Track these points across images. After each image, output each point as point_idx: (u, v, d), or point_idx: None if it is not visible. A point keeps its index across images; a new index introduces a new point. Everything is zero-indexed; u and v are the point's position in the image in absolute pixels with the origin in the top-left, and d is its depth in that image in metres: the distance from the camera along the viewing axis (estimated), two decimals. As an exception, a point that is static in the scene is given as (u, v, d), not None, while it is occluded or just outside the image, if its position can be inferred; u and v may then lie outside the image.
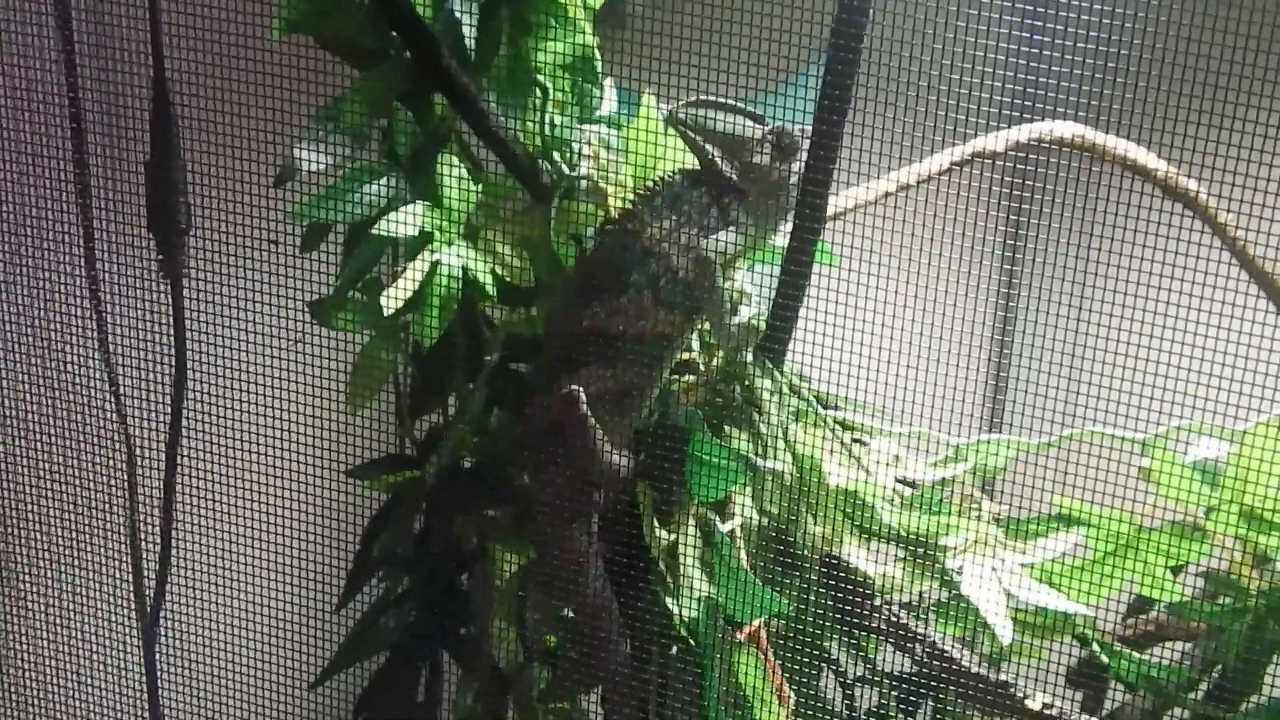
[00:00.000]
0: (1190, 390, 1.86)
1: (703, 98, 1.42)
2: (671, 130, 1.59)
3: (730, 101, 1.44)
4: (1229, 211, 1.70)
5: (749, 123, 1.43)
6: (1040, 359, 2.04)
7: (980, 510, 1.42)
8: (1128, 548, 1.40)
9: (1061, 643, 1.47)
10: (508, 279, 1.53)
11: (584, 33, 1.59)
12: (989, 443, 1.46)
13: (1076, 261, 2.01)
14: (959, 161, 1.75)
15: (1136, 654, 1.53)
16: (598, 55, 1.62)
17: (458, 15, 1.41)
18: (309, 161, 1.40)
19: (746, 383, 1.39)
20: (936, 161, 1.74)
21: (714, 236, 1.38)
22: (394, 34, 1.44)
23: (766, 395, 1.39)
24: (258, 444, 1.52)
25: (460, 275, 1.46)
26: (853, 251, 2.06)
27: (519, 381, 1.57)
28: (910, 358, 2.10)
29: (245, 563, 1.62)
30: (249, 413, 1.52)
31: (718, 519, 1.29)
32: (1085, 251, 2.00)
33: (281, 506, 1.56)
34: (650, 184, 1.42)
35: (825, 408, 1.49)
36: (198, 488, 1.63)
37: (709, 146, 1.41)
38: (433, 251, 1.44)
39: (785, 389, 1.41)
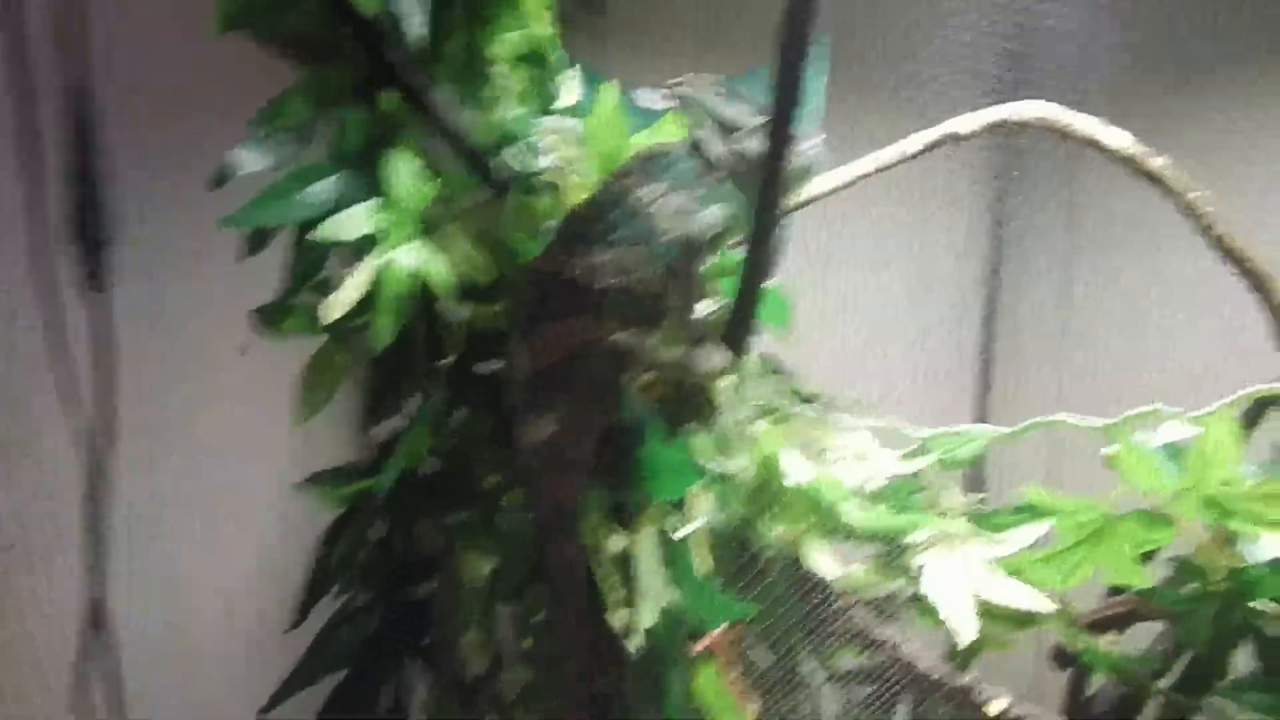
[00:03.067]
0: (1171, 372, 1.86)
1: (705, 75, 1.41)
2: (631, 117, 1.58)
3: (731, 87, 1.43)
4: (1195, 182, 1.70)
5: (748, 109, 1.42)
6: (1027, 344, 2.03)
7: (948, 503, 1.40)
8: (1096, 537, 1.39)
9: (1036, 632, 1.45)
10: (466, 276, 1.50)
11: (542, 22, 1.55)
12: (958, 434, 1.44)
13: (1059, 244, 2.00)
14: (931, 144, 1.74)
15: (1103, 645, 1.52)
16: (558, 45, 1.59)
17: (407, 6, 1.36)
18: (249, 162, 1.36)
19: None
20: (908, 144, 1.73)
21: (702, 213, 1.36)
22: (340, 27, 1.40)
23: (726, 391, 1.36)
24: (206, 457, 1.48)
25: (415, 275, 1.43)
26: (830, 238, 2.04)
27: (481, 380, 1.54)
28: (892, 346, 2.09)
29: (195, 581, 1.58)
30: (194, 425, 1.48)
31: (675, 522, 1.26)
32: (1067, 233, 1.99)
33: (234, 521, 1.53)
34: (648, 148, 1.42)
35: (803, 400, 1.47)
36: (144, 504, 1.58)
37: (703, 124, 1.40)
38: (383, 252, 1.41)
39: (747, 384, 1.38)
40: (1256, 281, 1.62)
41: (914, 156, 1.75)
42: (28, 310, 1.51)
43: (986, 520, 1.40)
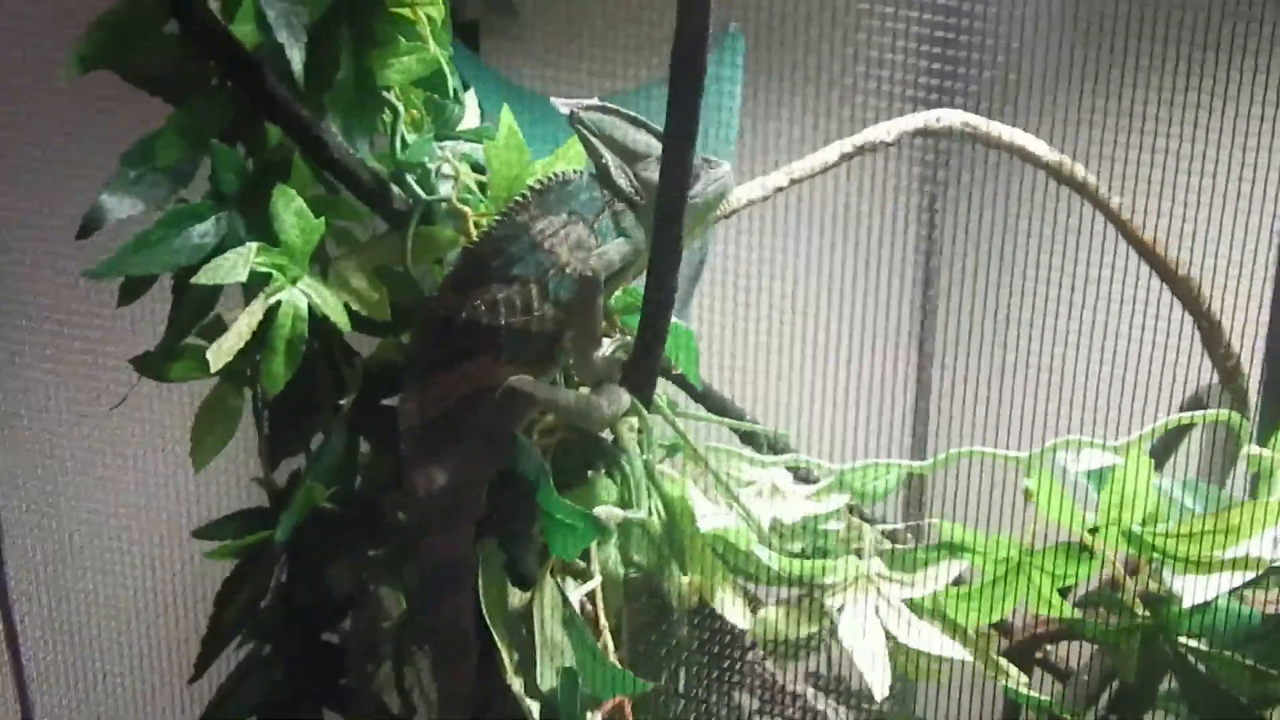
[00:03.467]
0: (1106, 376, 1.83)
1: (607, 104, 1.36)
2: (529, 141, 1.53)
3: (635, 114, 1.39)
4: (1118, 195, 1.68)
5: (650, 138, 1.37)
6: (962, 366, 1.98)
7: (863, 541, 1.36)
8: (1016, 571, 1.35)
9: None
10: (363, 312, 1.44)
11: (438, 46, 1.49)
12: (872, 467, 1.40)
13: (990, 257, 1.96)
14: (849, 154, 1.70)
15: (1025, 687, 1.49)
16: (449, 70, 1.53)
17: (287, 35, 1.28)
18: (119, 207, 1.29)
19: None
20: (826, 154, 1.68)
21: (604, 246, 1.30)
22: (209, 62, 1.32)
23: (630, 434, 1.31)
24: (97, 512, 1.41)
25: (306, 314, 1.36)
26: (750, 254, 1.98)
27: (385, 416, 1.49)
28: (821, 371, 2.03)
29: (94, 638, 1.52)
30: (80, 480, 1.42)
31: (570, 583, 1.21)
32: (999, 245, 1.95)
33: (131, 575, 1.46)
34: (546, 178, 1.37)
35: (746, 441, 1.42)
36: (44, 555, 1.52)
37: (605, 152, 1.35)
38: (272, 293, 1.34)
39: (651, 426, 1.33)
40: (1180, 288, 1.59)
41: (832, 167, 1.71)
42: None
43: (903, 558, 1.36)
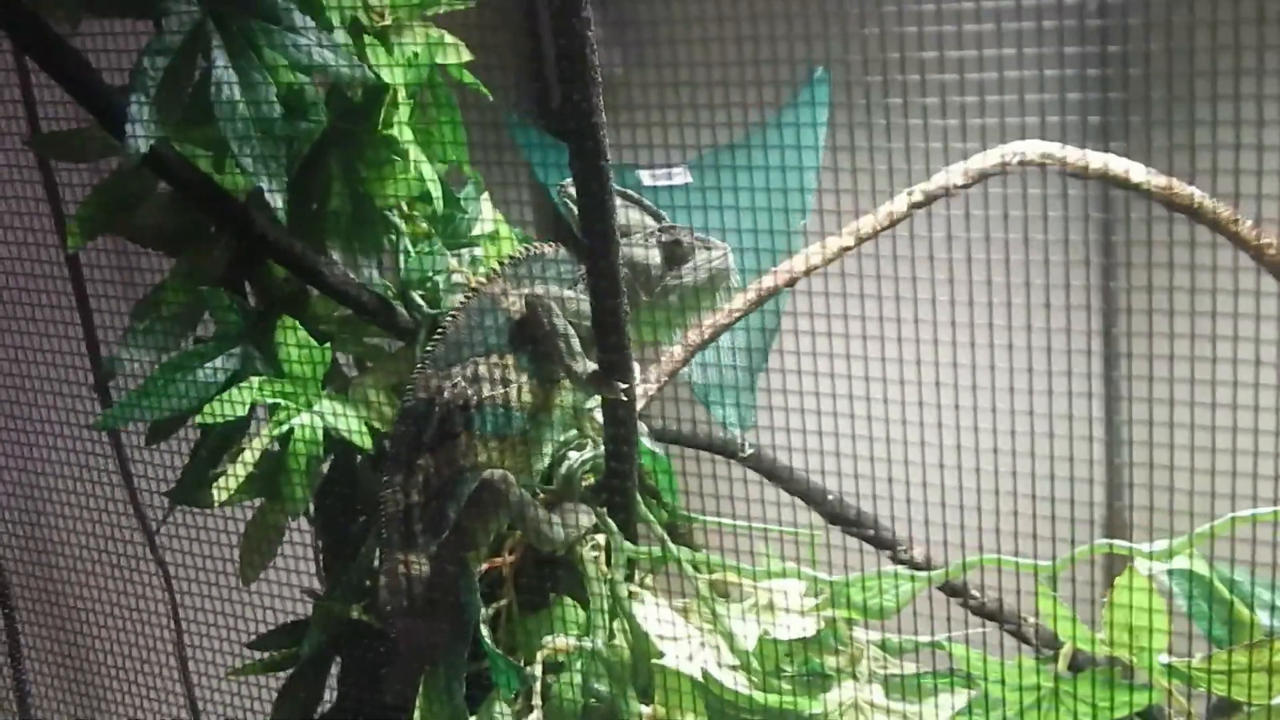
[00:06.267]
0: None
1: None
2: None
3: (629, 191, 1.36)
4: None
5: (639, 213, 1.35)
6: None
7: (859, 662, 1.21)
8: (1051, 700, 1.15)
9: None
10: (381, 428, 1.48)
11: (450, 155, 1.52)
12: (881, 576, 1.24)
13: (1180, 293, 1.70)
14: (919, 202, 1.55)
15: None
16: (474, 173, 1.54)
17: (266, 179, 1.34)
18: (132, 357, 1.40)
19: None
20: (895, 205, 1.54)
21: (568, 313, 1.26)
22: (199, 214, 1.42)
23: (591, 554, 1.25)
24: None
25: (320, 437, 1.42)
26: (839, 323, 1.82)
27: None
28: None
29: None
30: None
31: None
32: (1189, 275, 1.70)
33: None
34: (518, 251, 1.37)
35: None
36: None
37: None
38: (277, 424, 1.41)
39: (621, 541, 1.26)
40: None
41: (901, 219, 1.56)
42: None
43: (907, 683, 1.19)
